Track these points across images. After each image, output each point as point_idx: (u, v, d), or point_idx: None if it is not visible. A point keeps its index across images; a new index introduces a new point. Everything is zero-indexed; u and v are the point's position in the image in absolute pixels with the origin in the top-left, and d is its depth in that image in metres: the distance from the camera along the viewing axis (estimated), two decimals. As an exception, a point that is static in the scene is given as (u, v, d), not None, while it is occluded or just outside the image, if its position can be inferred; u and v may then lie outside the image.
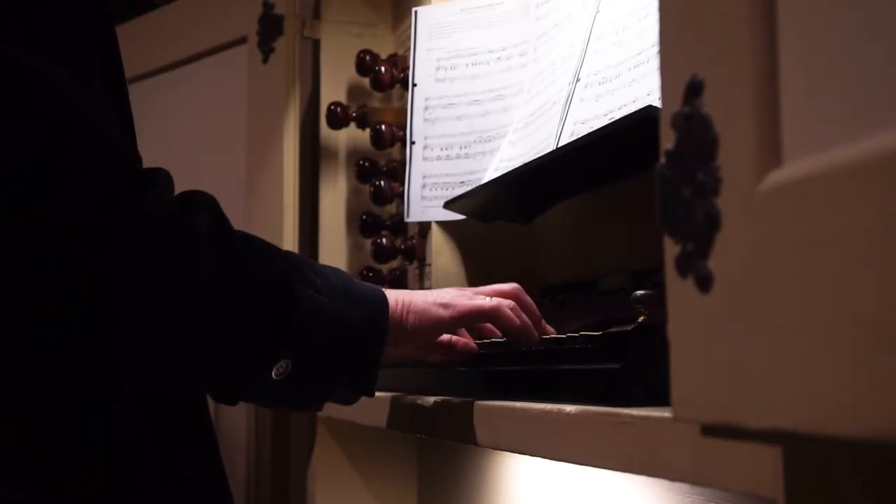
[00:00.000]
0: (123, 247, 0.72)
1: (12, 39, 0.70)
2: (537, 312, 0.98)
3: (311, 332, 0.82)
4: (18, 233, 0.70)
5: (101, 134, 0.73)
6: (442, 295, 0.95)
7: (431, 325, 0.93)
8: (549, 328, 0.99)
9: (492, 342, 1.00)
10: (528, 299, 0.98)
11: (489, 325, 1.00)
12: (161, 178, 0.77)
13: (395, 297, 0.92)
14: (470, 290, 0.98)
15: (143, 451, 0.81)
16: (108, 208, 0.71)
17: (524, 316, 0.95)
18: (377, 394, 1.20)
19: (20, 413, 0.76)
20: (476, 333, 1.02)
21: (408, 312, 0.92)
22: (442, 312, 0.93)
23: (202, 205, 0.79)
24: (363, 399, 1.13)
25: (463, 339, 0.99)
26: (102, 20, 0.81)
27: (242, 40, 1.98)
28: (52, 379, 0.77)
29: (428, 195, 1.43)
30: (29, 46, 0.71)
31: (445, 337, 0.98)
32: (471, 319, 0.95)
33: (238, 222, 1.98)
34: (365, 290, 0.89)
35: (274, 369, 0.81)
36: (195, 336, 0.78)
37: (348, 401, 0.93)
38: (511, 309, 0.95)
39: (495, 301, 0.95)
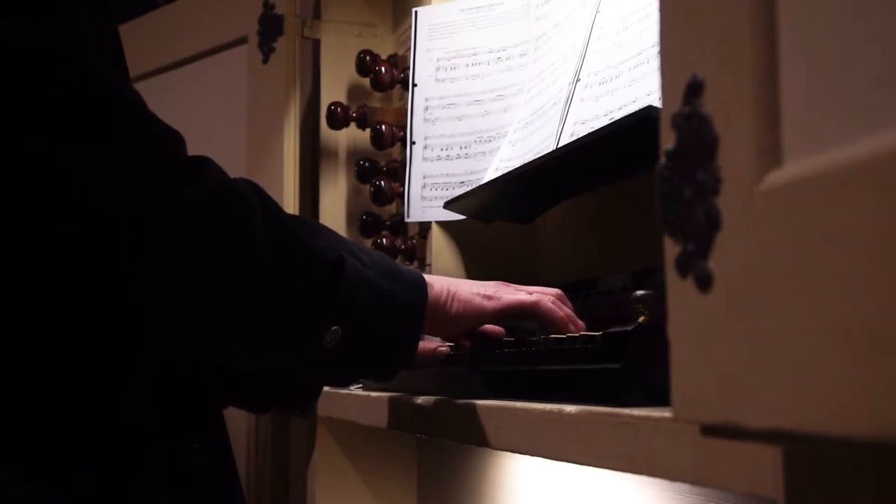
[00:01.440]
0: (184, 222, 0.74)
1: (62, 35, 0.72)
2: (580, 323, 1.00)
3: (359, 301, 0.85)
4: (77, 216, 0.71)
5: (151, 117, 0.77)
6: (486, 286, 0.98)
7: (475, 315, 0.96)
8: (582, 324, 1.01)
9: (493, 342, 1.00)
10: (568, 303, 1.00)
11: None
12: (208, 159, 0.80)
13: (440, 283, 0.95)
14: (513, 286, 1.00)
15: (145, 442, 0.81)
16: (169, 185, 0.74)
17: (566, 308, 0.98)
18: (377, 394, 1.20)
19: (23, 405, 0.76)
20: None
21: (453, 300, 0.94)
22: (486, 304, 0.96)
23: (247, 183, 0.82)
24: (363, 399, 1.12)
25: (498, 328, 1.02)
26: (109, 21, 0.82)
27: (242, 40, 1.98)
28: (57, 372, 0.77)
29: (428, 195, 1.43)
30: (75, 41, 0.73)
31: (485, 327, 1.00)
32: (513, 313, 0.97)
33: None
34: (405, 270, 0.93)
35: (326, 336, 0.83)
36: (253, 307, 0.80)
37: (387, 376, 0.95)
38: (552, 302, 0.97)
39: (536, 295, 0.97)
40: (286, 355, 0.86)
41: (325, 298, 0.83)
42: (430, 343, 1.02)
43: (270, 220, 0.80)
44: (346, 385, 0.96)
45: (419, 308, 0.91)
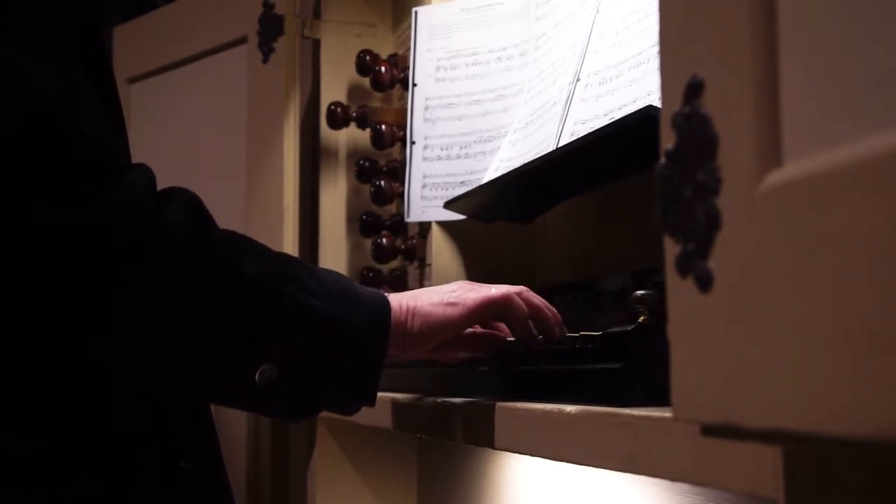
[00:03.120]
0: (89, 245, 0.69)
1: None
2: (548, 313, 0.92)
3: (299, 337, 0.79)
4: None
5: (72, 126, 0.69)
6: (448, 292, 0.91)
7: (441, 327, 0.89)
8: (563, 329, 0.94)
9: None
10: (538, 298, 0.93)
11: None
12: (136, 170, 0.74)
13: (399, 301, 0.88)
14: (478, 285, 0.93)
15: (142, 447, 0.81)
16: (73, 204, 0.68)
17: (534, 301, 0.91)
18: (378, 394, 1.20)
19: (16, 411, 0.76)
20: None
21: (413, 317, 0.88)
22: (451, 312, 0.89)
23: (178, 200, 0.75)
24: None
25: (488, 331, 0.95)
26: (88, 20, 0.78)
27: (242, 40, 1.98)
28: (48, 377, 0.77)
29: (428, 195, 1.43)
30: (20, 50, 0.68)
31: (468, 330, 0.94)
32: (482, 314, 0.90)
33: (238, 222, 1.98)
34: (365, 295, 0.86)
35: (257, 374, 0.78)
36: (172, 335, 0.74)
37: (347, 410, 0.89)
38: (520, 297, 0.90)
39: (504, 289, 0.91)
40: (216, 391, 0.82)
41: (254, 335, 0.77)
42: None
43: (201, 246, 0.74)
44: (298, 419, 0.89)
45: (383, 329, 0.84)
